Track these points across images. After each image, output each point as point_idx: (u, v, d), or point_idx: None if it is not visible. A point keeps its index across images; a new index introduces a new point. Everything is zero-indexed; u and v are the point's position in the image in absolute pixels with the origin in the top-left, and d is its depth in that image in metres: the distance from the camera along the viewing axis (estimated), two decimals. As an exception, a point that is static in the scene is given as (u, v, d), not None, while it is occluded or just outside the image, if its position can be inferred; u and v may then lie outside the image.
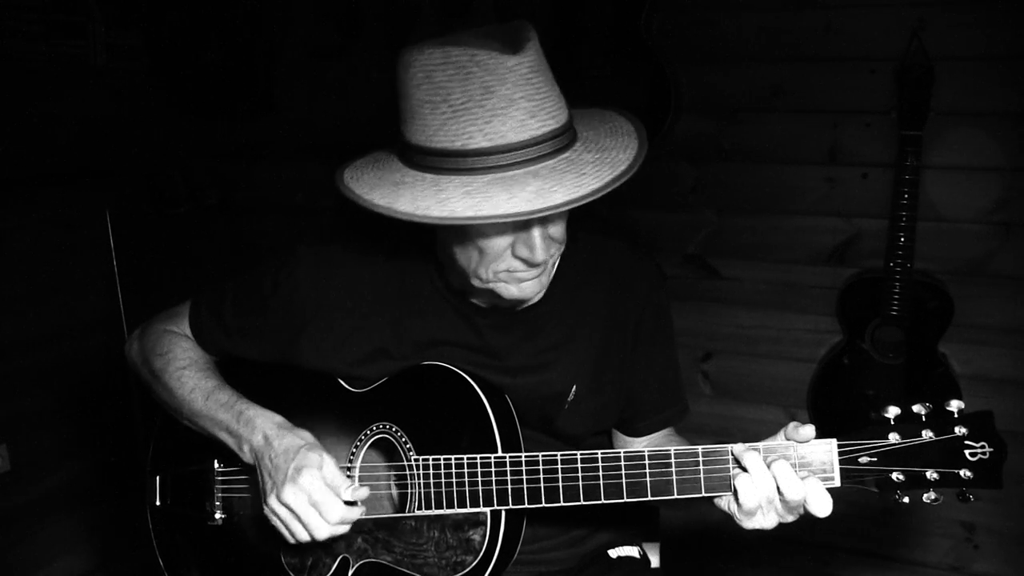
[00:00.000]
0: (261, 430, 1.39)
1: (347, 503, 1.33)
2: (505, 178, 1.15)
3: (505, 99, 1.13)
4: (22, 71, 2.86)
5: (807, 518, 1.23)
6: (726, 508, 1.27)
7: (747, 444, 1.24)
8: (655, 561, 1.76)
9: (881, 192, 2.54)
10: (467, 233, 1.25)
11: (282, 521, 1.34)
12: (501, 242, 1.25)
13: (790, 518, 1.25)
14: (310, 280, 1.47)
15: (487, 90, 1.13)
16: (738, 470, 1.23)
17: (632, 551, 1.69)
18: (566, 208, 1.12)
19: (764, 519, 1.24)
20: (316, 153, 3.20)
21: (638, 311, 1.49)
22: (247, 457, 1.42)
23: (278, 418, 1.41)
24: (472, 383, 1.38)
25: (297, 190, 3.29)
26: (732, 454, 1.24)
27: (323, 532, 1.32)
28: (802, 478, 1.20)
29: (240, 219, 3.40)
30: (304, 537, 1.34)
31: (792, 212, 2.69)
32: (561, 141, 1.20)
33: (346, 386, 1.50)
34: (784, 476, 1.20)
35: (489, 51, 1.13)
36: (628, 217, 2.83)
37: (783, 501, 1.21)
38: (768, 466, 1.21)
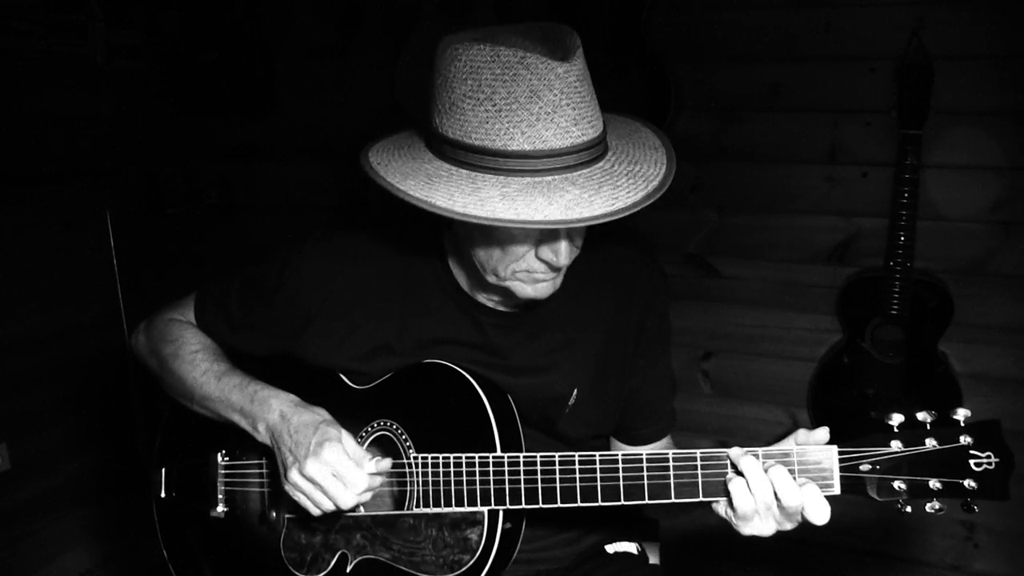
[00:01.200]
0: (277, 408, 1.40)
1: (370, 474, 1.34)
2: (543, 183, 1.15)
3: (551, 104, 1.13)
4: (22, 70, 2.86)
5: (806, 525, 1.22)
6: (723, 514, 1.26)
7: (746, 448, 1.23)
8: (654, 559, 1.76)
9: (881, 191, 2.53)
10: (493, 232, 1.25)
11: (306, 494, 1.35)
12: (526, 243, 1.25)
13: (788, 525, 1.23)
14: (316, 275, 1.47)
15: (534, 93, 1.12)
16: (733, 474, 1.23)
17: (630, 547, 1.69)
18: (604, 220, 1.12)
19: (762, 525, 1.23)
20: (316, 152, 3.21)
21: (641, 316, 1.49)
22: (262, 436, 1.42)
23: (292, 396, 1.42)
24: (473, 382, 1.38)
25: (296, 189, 3.29)
26: (730, 458, 1.23)
27: (349, 501, 1.33)
28: (800, 485, 1.19)
29: (240, 218, 3.40)
30: (329, 507, 1.35)
31: (792, 211, 2.69)
32: (597, 151, 1.20)
33: (348, 382, 1.50)
34: (781, 482, 1.19)
35: (539, 55, 1.12)
36: (628, 216, 2.83)
37: (780, 508, 1.20)
38: (765, 471, 1.20)
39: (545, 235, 1.24)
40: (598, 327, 1.47)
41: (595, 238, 1.46)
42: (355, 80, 3.11)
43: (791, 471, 1.20)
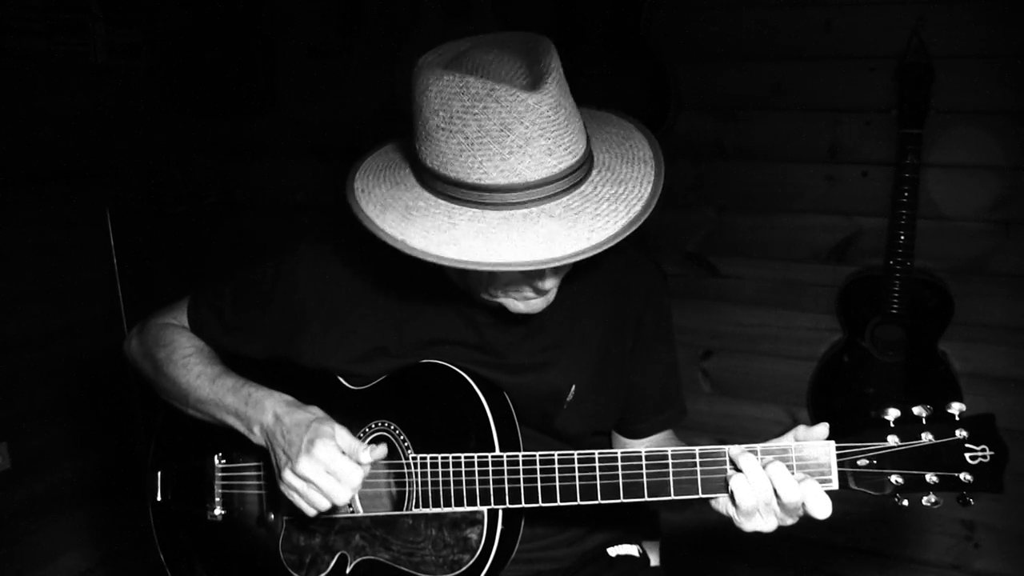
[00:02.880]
0: (271, 410, 1.39)
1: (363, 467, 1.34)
2: (518, 216, 1.13)
3: (523, 137, 1.10)
4: (22, 69, 2.86)
5: (807, 518, 1.23)
6: (724, 511, 1.27)
7: (745, 446, 1.24)
8: (655, 560, 1.76)
9: (881, 190, 2.53)
10: None
11: (300, 493, 1.34)
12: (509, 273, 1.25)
13: (789, 521, 1.24)
14: (311, 277, 1.46)
15: (504, 127, 1.10)
16: (734, 471, 1.23)
17: (631, 549, 1.68)
18: (578, 258, 1.11)
19: (763, 521, 1.23)
20: (316, 152, 3.21)
21: (639, 311, 1.49)
22: (257, 438, 1.42)
23: (286, 396, 1.42)
24: (470, 382, 1.38)
25: (297, 188, 3.29)
26: (729, 455, 1.24)
27: (343, 497, 1.32)
28: (799, 480, 1.19)
29: (240, 217, 3.40)
30: (324, 506, 1.34)
31: (792, 210, 2.69)
32: (578, 175, 1.17)
33: (345, 383, 1.50)
34: (780, 478, 1.19)
35: (509, 85, 1.09)
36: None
37: (780, 504, 1.21)
38: (764, 468, 1.21)
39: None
40: (595, 323, 1.47)
41: None
42: (355, 80, 3.11)
43: (789, 467, 1.21)
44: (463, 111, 1.10)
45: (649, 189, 1.20)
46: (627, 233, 1.14)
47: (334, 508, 1.36)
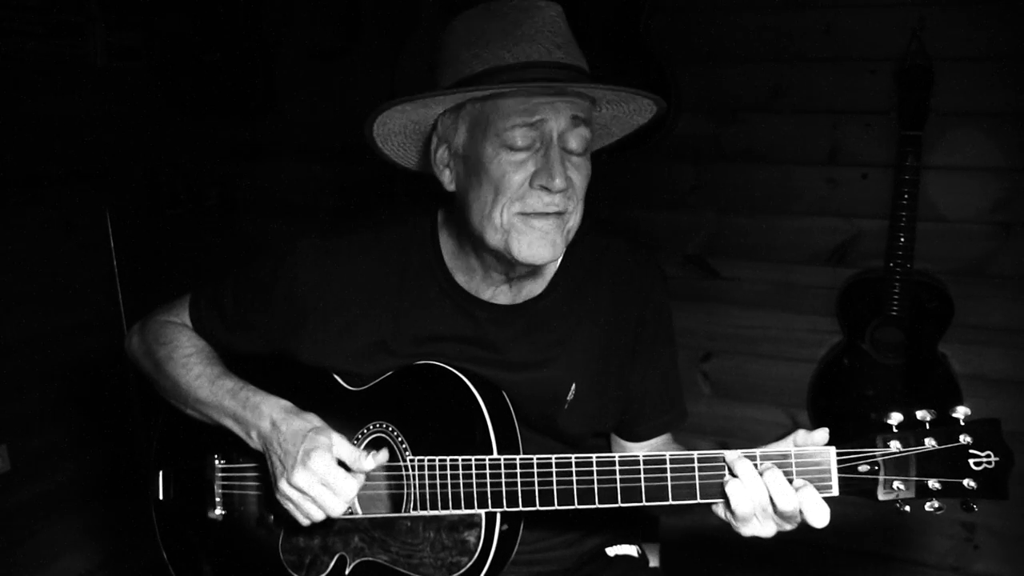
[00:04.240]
0: (268, 416, 1.40)
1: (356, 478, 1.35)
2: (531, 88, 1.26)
3: (532, 28, 1.27)
4: (22, 71, 2.86)
5: (806, 525, 1.21)
6: (722, 516, 1.26)
7: (744, 450, 1.22)
8: (654, 561, 1.75)
9: (881, 192, 2.53)
10: (486, 167, 1.28)
11: (294, 504, 1.35)
12: (518, 177, 1.27)
13: (788, 527, 1.23)
14: (310, 273, 1.47)
15: (516, 24, 1.27)
16: (730, 476, 1.22)
17: (630, 549, 1.68)
18: (607, 89, 1.28)
19: (761, 527, 1.23)
20: (316, 153, 3.21)
21: (639, 311, 1.49)
22: (255, 444, 1.42)
23: (284, 403, 1.42)
24: (468, 383, 1.37)
25: (297, 190, 3.29)
26: (727, 461, 1.22)
27: (338, 510, 1.34)
28: (797, 488, 1.18)
29: (240, 219, 3.40)
30: (318, 517, 1.35)
31: (792, 212, 2.69)
32: (584, 79, 1.30)
33: (343, 384, 1.50)
34: (776, 485, 1.18)
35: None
36: (628, 217, 2.83)
37: (776, 511, 1.20)
38: (761, 474, 1.19)
39: (539, 162, 1.28)
40: (596, 321, 1.47)
41: (589, 235, 1.46)
42: (355, 80, 3.11)
43: (788, 472, 1.20)
44: (483, 21, 1.29)
45: (653, 106, 1.36)
46: (646, 97, 1.32)
47: (328, 519, 1.36)
